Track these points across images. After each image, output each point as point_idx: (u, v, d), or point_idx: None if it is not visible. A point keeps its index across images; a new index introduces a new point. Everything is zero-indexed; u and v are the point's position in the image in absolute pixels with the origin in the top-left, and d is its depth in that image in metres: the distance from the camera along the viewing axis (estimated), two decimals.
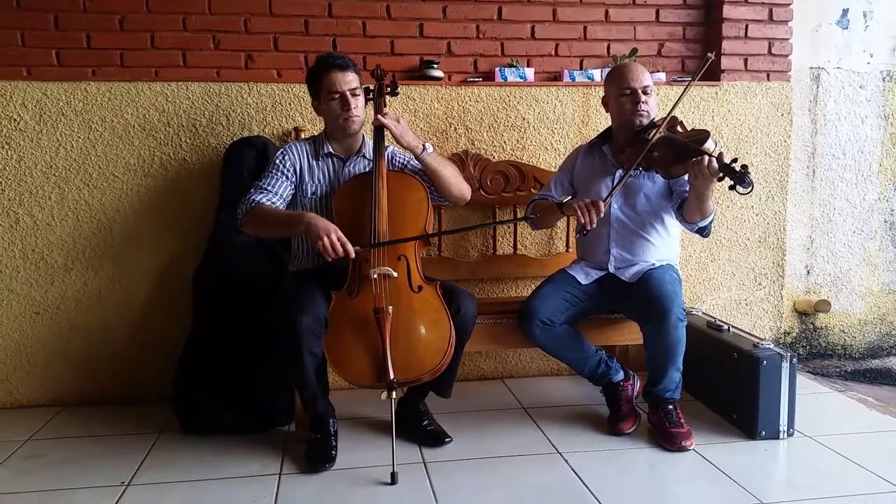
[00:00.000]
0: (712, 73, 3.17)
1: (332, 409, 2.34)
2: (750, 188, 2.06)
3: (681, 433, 2.34)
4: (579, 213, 2.25)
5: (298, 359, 2.15)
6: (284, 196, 2.37)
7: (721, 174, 2.12)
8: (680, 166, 2.25)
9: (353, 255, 2.16)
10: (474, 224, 2.97)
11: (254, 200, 2.31)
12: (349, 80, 2.34)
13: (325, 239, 2.12)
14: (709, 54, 2.46)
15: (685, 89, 2.41)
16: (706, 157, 2.14)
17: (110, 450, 2.39)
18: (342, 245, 2.13)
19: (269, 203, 2.32)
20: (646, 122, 2.42)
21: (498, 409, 2.74)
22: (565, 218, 2.85)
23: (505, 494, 2.05)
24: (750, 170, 2.08)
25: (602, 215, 2.25)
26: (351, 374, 2.14)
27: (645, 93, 2.41)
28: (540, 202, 2.57)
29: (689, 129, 2.41)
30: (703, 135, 2.25)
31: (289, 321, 2.13)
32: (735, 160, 2.11)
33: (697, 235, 2.45)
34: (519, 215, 2.96)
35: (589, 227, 2.25)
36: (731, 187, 2.08)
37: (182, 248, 2.84)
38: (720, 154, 2.14)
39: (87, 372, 2.85)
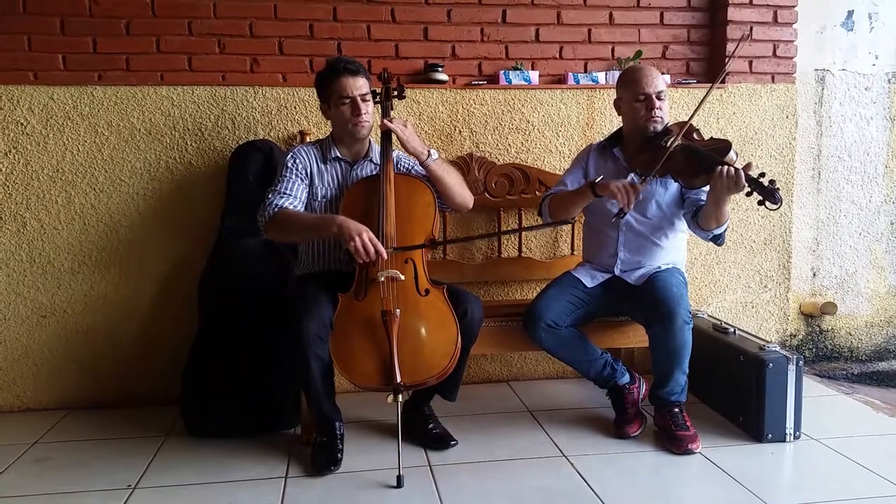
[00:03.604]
0: (717, 76, 3.17)
1: (338, 411, 2.33)
2: (779, 204, 2.03)
3: (687, 436, 2.33)
4: (618, 194, 2.22)
5: (305, 363, 2.15)
6: (302, 199, 2.36)
7: (749, 189, 2.09)
8: (703, 177, 2.20)
9: (384, 256, 2.15)
10: (480, 225, 2.98)
11: (277, 206, 2.29)
12: (360, 85, 2.34)
13: (358, 240, 2.11)
14: (727, 59, 2.45)
15: (705, 96, 2.34)
16: (732, 170, 2.10)
17: (117, 453, 2.40)
18: (374, 246, 2.13)
19: (291, 207, 2.30)
20: (660, 128, 2.39)
21: (503, 412, 2.73)
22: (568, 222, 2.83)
23: (510, 497, 2.05)
24: (778, 185, 2.04)
25: (640, 198, 2.23)
26: (357, 377, 2.14)
27: (659, 98, 2.39)
28: (559, 193, 2.51)
29: (704, 137, 2.38)
30: (725, 144, 2.21)
31: (295, 326, 2.13)
32: (763, 174, 2.08)
33: (708, 242, 2.43)
34: (524, 218, 2.97)
35: (627, 209, 2.23)
36: (760, 202, 2.06)
37: (188, 252, 2.84)
38: (747, 165, 2.11)
39: (93, 375, 2.86)
